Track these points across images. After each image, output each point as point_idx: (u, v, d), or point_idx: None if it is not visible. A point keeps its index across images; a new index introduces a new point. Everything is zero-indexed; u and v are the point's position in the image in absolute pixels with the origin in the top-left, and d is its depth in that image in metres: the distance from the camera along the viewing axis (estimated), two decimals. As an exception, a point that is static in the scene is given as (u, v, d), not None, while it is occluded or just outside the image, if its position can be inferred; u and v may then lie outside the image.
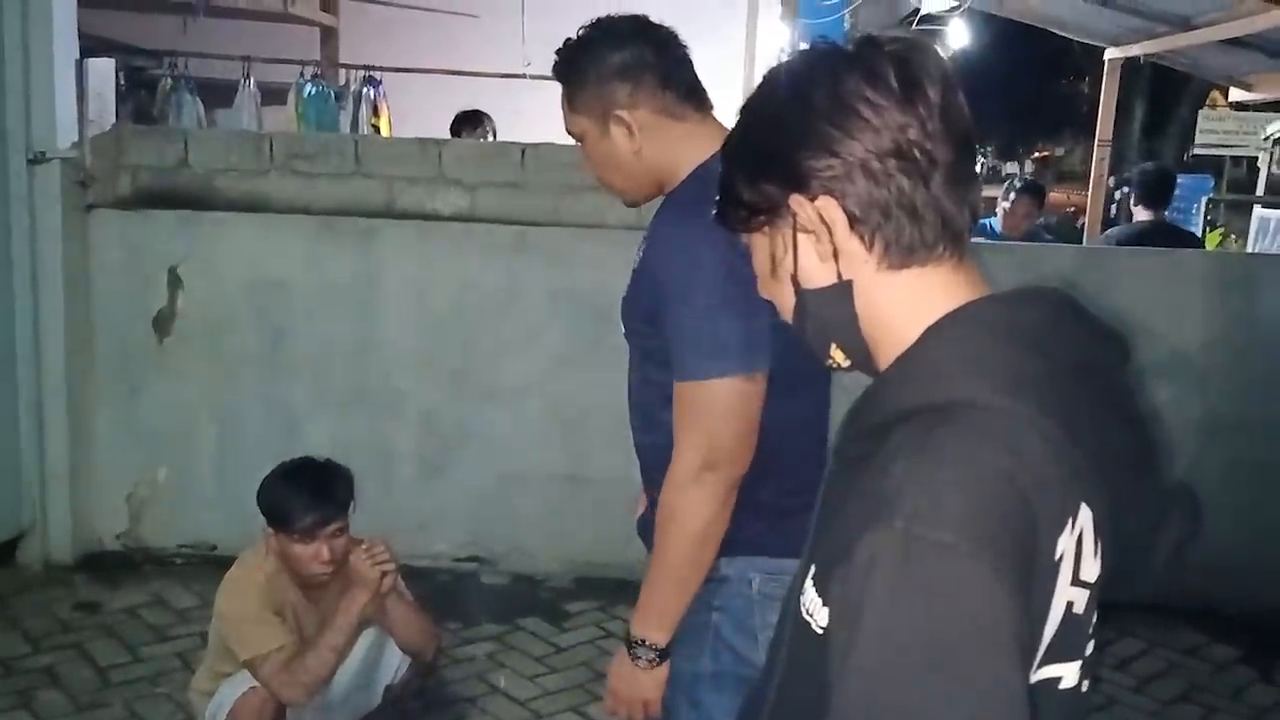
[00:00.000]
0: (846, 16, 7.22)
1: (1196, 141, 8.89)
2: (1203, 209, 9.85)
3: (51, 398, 3.92)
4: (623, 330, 1.79)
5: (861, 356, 0.98)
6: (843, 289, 0.93)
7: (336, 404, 4.06)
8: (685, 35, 1.75)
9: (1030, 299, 0.93)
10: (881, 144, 0.89)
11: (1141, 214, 4.96)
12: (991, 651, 0.78)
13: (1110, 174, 8.58)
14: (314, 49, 7.70)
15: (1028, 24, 9.18)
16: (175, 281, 4.01)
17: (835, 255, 0.92)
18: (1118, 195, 10.14)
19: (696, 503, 1.59)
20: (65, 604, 3.73)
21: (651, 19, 1.74)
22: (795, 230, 0.93)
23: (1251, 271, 4.36)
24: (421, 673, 2.87)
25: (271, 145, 4.11)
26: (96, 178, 3.95)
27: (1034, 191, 5.64)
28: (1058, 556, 0.83)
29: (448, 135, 5.03)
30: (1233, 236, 10.88)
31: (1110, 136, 8.18)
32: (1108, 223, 8.84)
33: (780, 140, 0.92)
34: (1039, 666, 0.86)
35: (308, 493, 2.58)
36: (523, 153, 4.08)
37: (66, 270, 3.87)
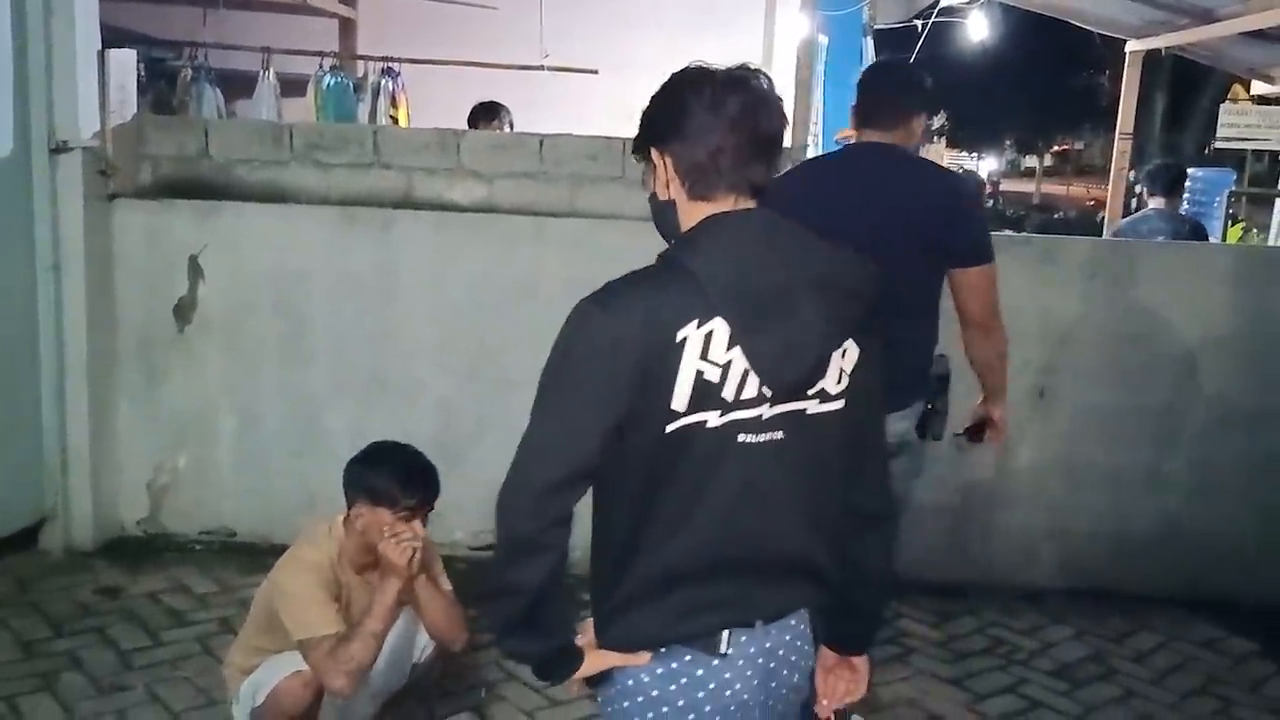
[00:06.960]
0: (865, 8, 7.19)
1: (1218, 135, 8.80)
2: (1224, 203, 9.77)
3: (74, 385, 3.96)
4: None
5: None
6: (670, 204, 1.58)
7: (355, 393, 4.08)
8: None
9: (742, 213, 1.52)
10: (691, 133, 1.50)
11: (1155, 203, 5.22)
12: (590, 359, 1.44)
13: (1131, 168, 8.51)
14: (333, 40, 7.72)
15: (1048, 16, 9.13)
16: (196, 270, 4.05)
17: (668, 185, 1.56)
18: (1138, 189, 10.11)
19: None
20: (87, 589, 3.78)
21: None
22: (655, 164, 1.58)
23: (1273, 265, 4.33)
24: (446, 655, 2.89)
25: (291, 136, 4.14)
26: (118, 167, 3.98)
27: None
28: (679, 339, 1.43)
29: (466, 126, 5.05)
30: (1254, 230, 10.81)
31: (1131, 130, 8.12)
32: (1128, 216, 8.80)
33: (655, 118, 1.56)
34: (688, 414, 1.45)
35: (419, 472, 2.65)
36: (540, 144, 4.09)
37: (88, 259, 3.91)
